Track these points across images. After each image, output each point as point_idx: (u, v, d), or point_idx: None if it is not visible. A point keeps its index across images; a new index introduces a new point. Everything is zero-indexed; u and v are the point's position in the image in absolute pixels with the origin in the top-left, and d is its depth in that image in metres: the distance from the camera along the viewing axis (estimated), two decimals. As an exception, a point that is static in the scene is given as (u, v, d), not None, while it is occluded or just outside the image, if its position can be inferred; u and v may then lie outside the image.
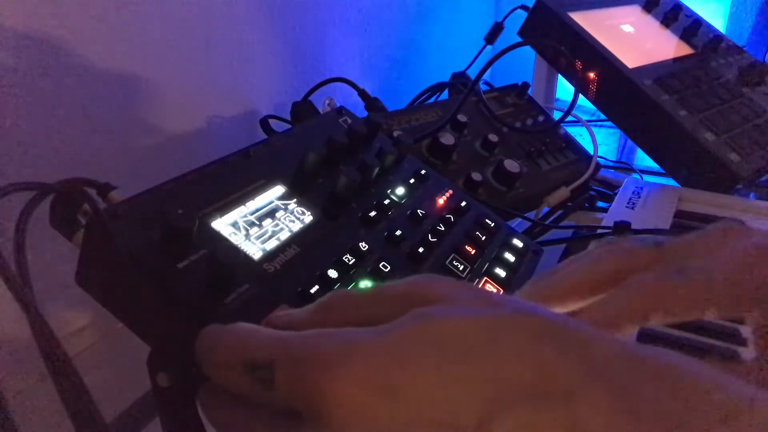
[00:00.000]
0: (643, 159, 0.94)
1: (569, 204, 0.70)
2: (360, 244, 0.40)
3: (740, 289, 0.26)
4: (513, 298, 0.24)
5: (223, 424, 0.24)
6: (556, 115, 0.81)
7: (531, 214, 0.67)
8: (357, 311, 0.24)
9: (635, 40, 0.86)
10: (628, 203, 0.66)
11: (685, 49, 0.89)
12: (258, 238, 0.36)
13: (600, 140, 0.79)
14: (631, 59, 0.78)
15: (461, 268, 0.44)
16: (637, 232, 0.58)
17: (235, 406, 0.23)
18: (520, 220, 0.63)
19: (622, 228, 0.58)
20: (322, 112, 0.70)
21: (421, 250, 0.42)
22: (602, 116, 0.81)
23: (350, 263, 0.38)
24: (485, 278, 0.45)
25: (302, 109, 0.70)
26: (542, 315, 0.21)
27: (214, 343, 0.23)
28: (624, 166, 0.94)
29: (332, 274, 0.36)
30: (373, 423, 0.19)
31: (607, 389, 0.19)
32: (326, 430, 0.20)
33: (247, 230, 0.36)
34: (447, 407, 0.19)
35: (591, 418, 0.18)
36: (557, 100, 0.98)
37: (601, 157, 0.78)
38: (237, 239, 0.35)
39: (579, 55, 0.78)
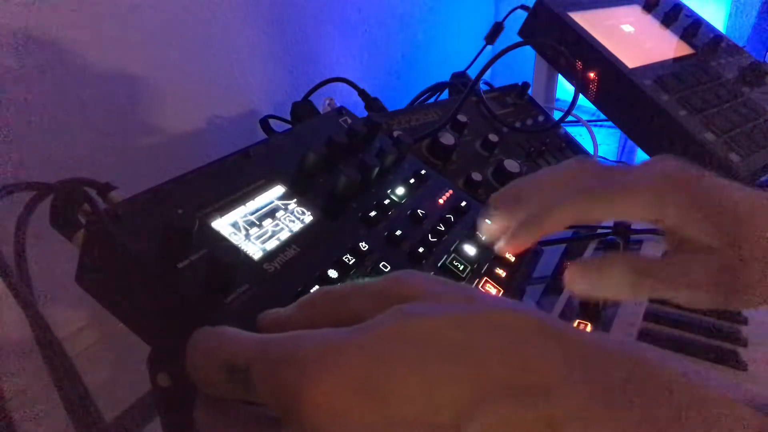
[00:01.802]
0: (643, 159, 0.94)
1: (569, 204, 0.70)
2: (360, 244, 0.39)
3: (659, 194, 0.31)
4: (492, 295, 0.24)
5: (209, 427, 0.24)
6: (556, 115, 0.81)
7: (531, 214, 0.67)
8: (337, 308, 0.24)
9: (635, 40, 0.86)
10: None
11: (685, 49, 0.89)
12: (258, 238, 0.36)
13: (600, 140, 0.79)
14: (631, 59, 0.78)
15: (461, 268, 0.44)
16: (637, 232, 0.58)
17: (219, 411, 0.23)
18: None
19: (622, 228, 0.58)
20: (322, 112, 0.70)
21: (421, 250, 0.42)
22: (602, 116, 0.81)
23: (350, 263, 0.38)
24: (485, 278, 0.45)
25: (302, 109, 0.70)
26: (520, 311, 0.21)
27: (194, 347, 0.23)
28: (624, 166, 0.94)
29: (332, 274, 0.36)
30: (350, 423, 0.19)
31: (582, 382, 0.19)
32: (304, 430, 0.20)
33: (247, 230, 0.36)
34: (425, 406, 0.19)
35: (569, 412, 0.18)
36: (557, 100, 0.98)
37: (601, 157, 0.78)
38: (237, 239, 0.35)
39: (579, 55, 0.78)
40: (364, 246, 0.39)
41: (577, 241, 0.62)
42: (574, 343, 0.20)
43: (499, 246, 0.36)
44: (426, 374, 0.19)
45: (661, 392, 0.19)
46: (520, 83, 0.80)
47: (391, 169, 0.49)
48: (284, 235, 0.37)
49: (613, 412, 0.18)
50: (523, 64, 0.96)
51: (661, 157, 0.33)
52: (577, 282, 0.33)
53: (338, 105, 0.56)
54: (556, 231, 0.35)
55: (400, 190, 0.47)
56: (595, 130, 0.80)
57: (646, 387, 0.19)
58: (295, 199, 0.40)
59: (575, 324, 0.48)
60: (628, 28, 0.87)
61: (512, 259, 0.48)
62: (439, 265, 0.43)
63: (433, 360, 0.19)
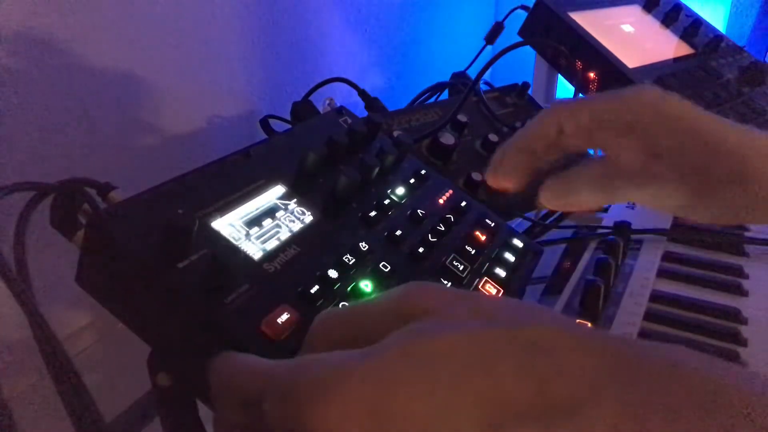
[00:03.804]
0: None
1: (569, 204, 0.70)
2: (360, 244, 0.39)
3: (629, 96, 0.35)
4: (509, 303, 0.23)
5: None
6: (556, 115, 0.81)
7: (531, 214, 0.67)
8: (346, 329, 0.23)
9: (635, 40, 0.86)
10: (628, 203, 0.66)
11: (685, 49, 0.89)
12: (258, 238, 0.36)
13: (600, 140, 0.79)
14: (631, 59, 0.78)
15: (461, 268, 0.44)
16: (637, 232, 0.58)
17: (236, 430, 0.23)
18: (520, 220, 0.63)
19: (622, 228, 0.58)
20: (322, 112, 0.70)
21: (421, 250, 0.42)
22: (602, 116, 0.81)
23: (350, 263, 0.38)
24: (485, 278, 0.45)
25: (302, 109, 0.70)
26: (538, 324, 0.20)
27: (214, 379, 0.23)
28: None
29: (332, 274, 0.36)
30: None
31: (612, 398, 0.18)
32: None
33: (247, 230, 0.36)
34: None
35: (598, 430, 0.17)
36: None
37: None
38: (237, 239, 0.35)
39: (579, 55, 0.78)
40: (364, 246, 0.39)
41: (577, 241, 0.62)
42: (603, 353, 0.19)
43: (486, 174, 0.39)
44: (439, 399, 0.18)
45: (701, 404, 0.18)
46: (520, 83, 0.80)
47: (391, 169, 0.49)
48: (284, 235, 0.37)
49: (649, 427, 0.17)
50: (523, 64, 0.96)
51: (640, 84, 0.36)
52: (552, 200, 0.37)
53: (338, 105, 0.56)
54: (534, 147, 0.37)
55: (400, 190, 0.47)
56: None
57: (685, 399, 0.18)
58: (295, 199, 0.40)
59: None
60: (628, 28, 0.87)
61: (512, 259, 0.48)
62: (439, 265, 0.43)
63: (445, 384, 0.18)
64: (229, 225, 0.36)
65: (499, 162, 0.38)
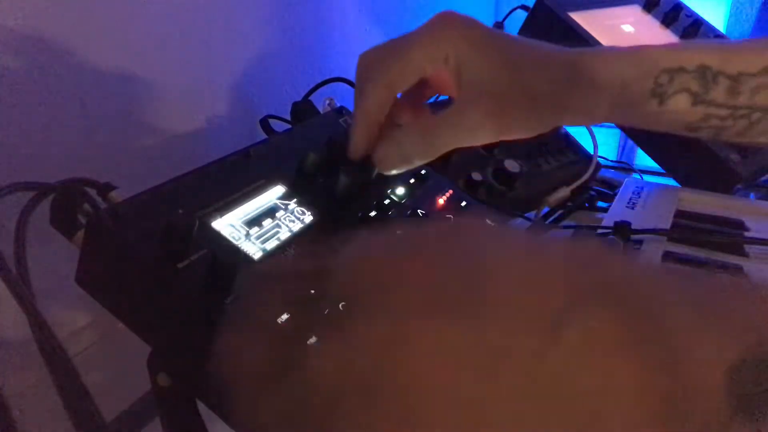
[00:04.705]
0: (643, 159, 0.94)
1: (569, 204, 0.70)
2: (360, 244, 0.39)
3: (438, 36, 0.39)
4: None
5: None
6: (556, 115, 0.81)
7: (531, 214, 0.67)
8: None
9: (635, 40, 0.86)
10: (628, 203, 0.66)
11: (685, 49, 0.89)
12: (258, 238, 0.36)
13: (600, 140, 0.79)
14: (631, 59, 0.78)
15: (461, 268, 0.44)
16: (637, 232, 0.58)
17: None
18: (520, 220, 0.63)
19: (622, 228, 0.58)
20: (322, 112, 0.70)
21: (421, 250, 0.42)
22: (602, 116, 0.81)
23: (350, 263, 0.38)
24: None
25: (302, 109, 0.70)
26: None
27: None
28: (624, 166, 0.94)
29: (332, 274, 0.36)
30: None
31: (675, 294, 0.20)
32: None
33: (247, 230, 0.36)
34: (533, 301, 0.19)
35: (667, 318, 0.19)
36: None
37: (601, 157, 0.78)
38: (237, 239, 0.35)
39: (579, 55, 0.78)
40: (364, 246, 0.39)
41: (577, 241, 0.62)
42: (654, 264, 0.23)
43: (348, 153, 0.40)
44: (528, 273, 0.20)
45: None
46: (520, 83, 0.80)
47: (391, 169, 0.49)
48: (284, 235, 0.37)
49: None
50: (523, 64, 0.96)
51: (442, 12, 0.38)
52: (387, 168, 0.39)
53: (338, 105, 0.56)
54: (379, 109, 0.38)
55: (400, 190, 0.47)
56: (595, 129, 0.80)
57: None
58: (295, 199, 0.40)
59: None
60: (628, 28, 0.87)
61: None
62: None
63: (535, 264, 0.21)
64: (229, 225, 0.36)
65: (354, 141, 0.40)
